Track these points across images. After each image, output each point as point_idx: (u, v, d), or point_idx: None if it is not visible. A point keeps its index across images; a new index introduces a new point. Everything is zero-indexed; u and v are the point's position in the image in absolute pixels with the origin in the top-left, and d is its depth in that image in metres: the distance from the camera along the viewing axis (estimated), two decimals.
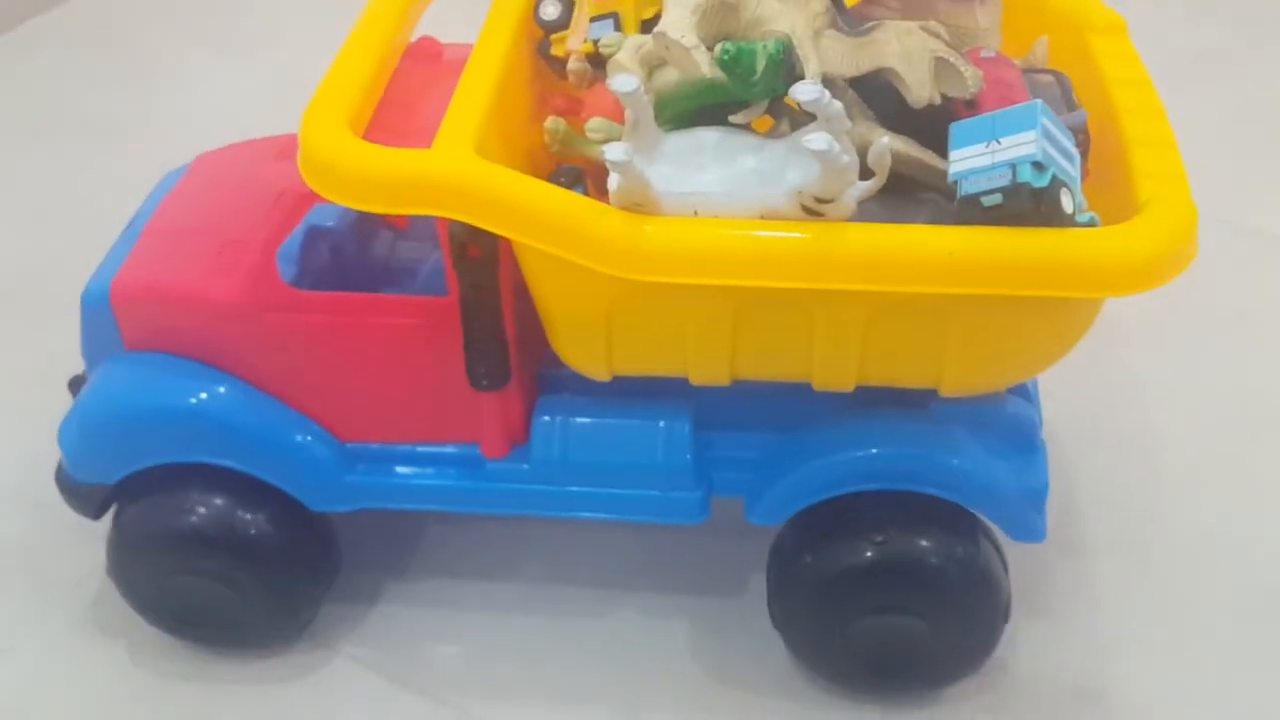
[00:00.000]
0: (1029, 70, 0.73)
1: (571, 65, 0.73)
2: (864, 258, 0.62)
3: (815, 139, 0.58)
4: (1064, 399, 0.93)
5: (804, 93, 0.59)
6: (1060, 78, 0.73)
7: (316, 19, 1.55)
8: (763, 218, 0.63)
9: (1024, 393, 0.79)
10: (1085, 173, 0.72)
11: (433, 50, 0.77)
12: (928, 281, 0.62)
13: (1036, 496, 0.75)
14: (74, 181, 1.28)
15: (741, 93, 0.64)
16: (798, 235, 0.62)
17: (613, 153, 0.60)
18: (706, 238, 0.63)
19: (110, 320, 0.75)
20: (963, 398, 0.73)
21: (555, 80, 0.77)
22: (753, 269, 0.63)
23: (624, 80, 0.61)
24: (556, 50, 0.75)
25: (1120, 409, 1.01)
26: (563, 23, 0.74)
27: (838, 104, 0.60)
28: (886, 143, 0.62)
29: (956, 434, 0.74)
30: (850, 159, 0.61)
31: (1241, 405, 1.01)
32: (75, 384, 0.82)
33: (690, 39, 0.62)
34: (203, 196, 0.80)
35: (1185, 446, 0.98)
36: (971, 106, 0.68)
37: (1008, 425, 0.75)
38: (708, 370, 0.71)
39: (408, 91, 0.73)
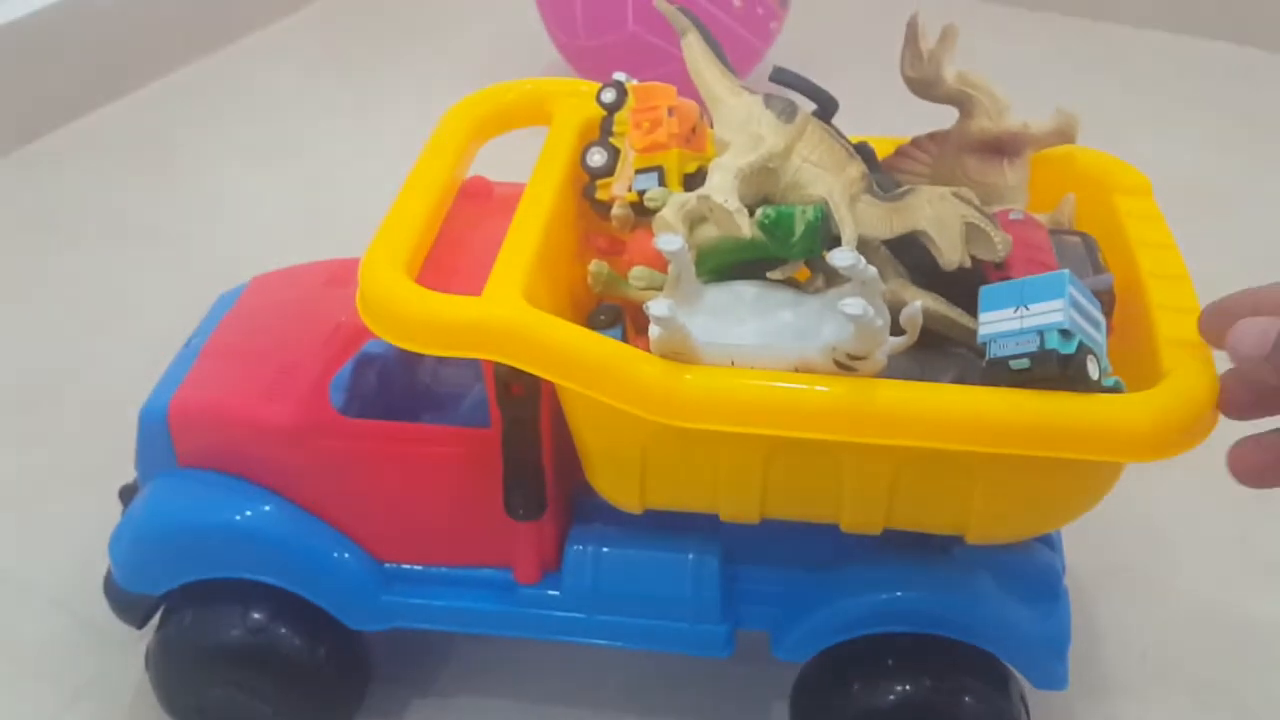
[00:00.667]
0: (1056, 231, 0.76)
1: (615, 211, 0.76)
2: (892, 414, 0.64)
3: (851, 304, 0.61)
4: (1083, 538, 0.95)
5: (841, 259, 0.62)
6: (1087, 239, 0.76)
7: (349, 128, 1.62)
8: (797, 370, 0.66)
9: (1048, 540, 0.80)
10: (1110, 330, 0.75)
11: (483, 189, 0.81)
12: (954, 439, 0.64)
13: (1059, 644, 0.76)
14: (102, 287, 1.32)
15: (780, 252, 0.67)
16: (829, 390, 0.65)
17: (656, 309, 0.63)
18: (741, 388, 0.65)
19: (166, 437, 0.79)
20: (988, 545, 0.75)
21: (599, 221, 0.80)
22: (784, 420, 0.65)
23: (669, 240, 0.64)
24: (601, 195, 0.78)
25: (1139, 549, 1.03)
26: (608, 170, 0.78)
27: (873, 270, 0.63)
28: (919, 306, 0.65)
29: (981, 580, 0.76)
30: (883, 322, 0.63)
31: (1256, 547, 1.02)
32: (126, 493, 0.85)
33: (733, 203, 0.66)
34: (260, 321, 0.83)
35: (1202, 587, 0.99)
36: (1000, 268, 0.71)
37: (1031, 573, 0.77)
38: (738, 509, 0.73)
39: (460, 230, 0.77)
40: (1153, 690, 0.91)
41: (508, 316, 0.66)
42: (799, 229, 0.65)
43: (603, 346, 0.66)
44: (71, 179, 1.51)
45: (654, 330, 0.65)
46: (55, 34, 1.59)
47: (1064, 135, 0.79)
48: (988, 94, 0.79)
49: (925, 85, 0.80)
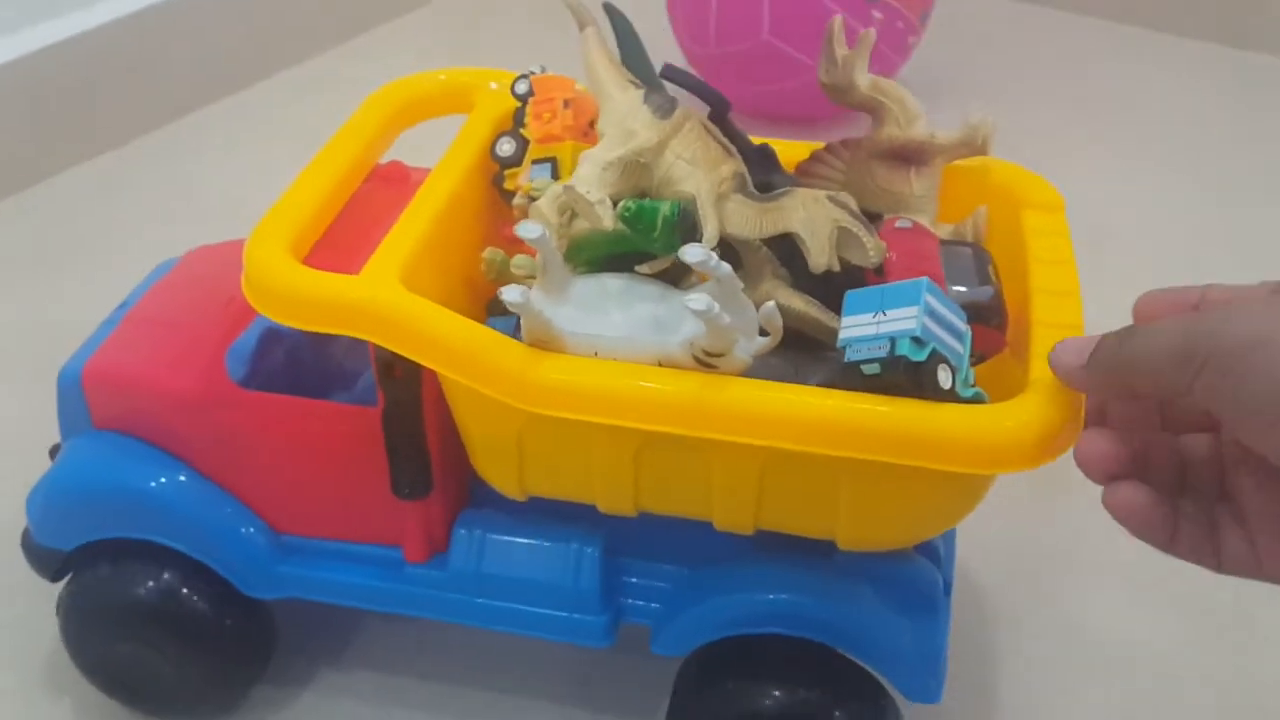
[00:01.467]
0: (948, 242, 0.76)
1: (516, 201, 0.78)
2: (740, 412, 0.65)
3: (695, 299, 0.61)
4: (984, 546, 0.95)
5: (691, 255, 0.62)
6: (979, 251, 0.75)
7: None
8: (660, 364, 0.67)
9: (933, 552, 0.80)
10: (1003, 346, 0.74)
11: (399, 174, 0.83)
12: (802, 441, 0.64)
13: (933, 658, 0.75)
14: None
15: (644, 246, 0.68)
16: (683, 385, 0.65)
17: (508, 295, 0.64)
18: (597, 378, 0.66)
19: (81, 399, 0.82)
20: (866, 553, 0.74)
21: (507, 210, 0.81)
22: (639, 412, 0.66)
23: (529, 227, 0.65)
24: (509, 185, 0.79)
25: (1043, 562, 1.02)
26: (516, 160, 0.79)
27: (726, 267, 0.63)
28: (773, 306, 0.65)
29: (856, 587, 0.75)
30: (733, 319, 0.64)
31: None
32: (54, 452, 0.88)
33: (595, 194, 0.67)
34: (182, 291, 0.86)
35: (1106, 606, 0.98)
36: (880, 274, 0.71)
37: (910, 584, 0.76)
38: (613, 501, 0.74)
39: (369, 213, 0.79)
40: (1039, 707, 0.90)
41: (376, 297, 0.68)
42: (658, 223, 0.66)
43: (466, 331, 0.68)
44: (203, 162, 1.56)
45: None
46: (189, 22, 1.65)
47: (972, 147, 0.78)
48: (899, 102, 0.79)
49: (839, 91, 0.80)
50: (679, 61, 1.64)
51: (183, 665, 0.84)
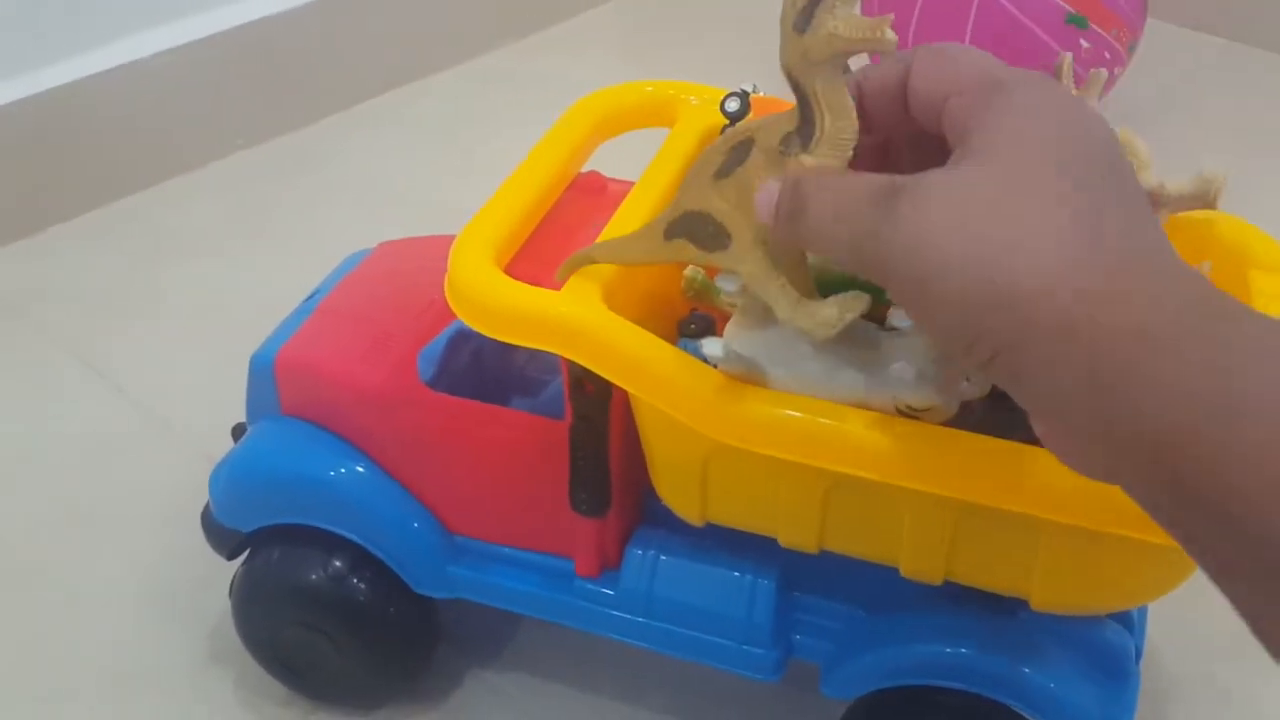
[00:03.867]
0: None
1: None
2: (946, 465, 0.62)
3: (900, 368, 0.60)
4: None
5: (903, 320, 0.60)
6: None
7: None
8: (860, 407, 0.65)
9: (1126, 619, 0.76)
10: None
11: (597, 184, 0.82)
12: (1008, 500, 0.62)
13: None
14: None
15: (858, 284, 0.66)
16: (887, 432, 0.63)
17: (709, 349, 0.63)
18: (799, 417, 0.64)
19: (272, 385, 0.83)
20: (1056, 614, 0.71)
21: None
22: (837, 454, 0.64)
23: (724, 279, 0.64)
24: None
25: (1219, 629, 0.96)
26: (742, 114, 0.77)
27: None
28: None
29: (1044, 646, 0.73)
30: (942, 383, 0.61)
31: None
32: (237, 431, 0.90)
33: None
34: (374, 285, 0.87)
35: None
36: None
37: (1100, 649, 0.73)
38: (795, 537, 0.72)
39: (567, 223, 0.78)
40: None
41: (579, 315, 0.67)
42: None
43: (668, 357, 0.66)
44: (378, 150, 1.59)
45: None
46: (371, 9, 1.69)
47: (1203, 200, 0.74)
48: (1127, 146, 0.75)
49: None
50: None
51: (348, 655, 0.85)
